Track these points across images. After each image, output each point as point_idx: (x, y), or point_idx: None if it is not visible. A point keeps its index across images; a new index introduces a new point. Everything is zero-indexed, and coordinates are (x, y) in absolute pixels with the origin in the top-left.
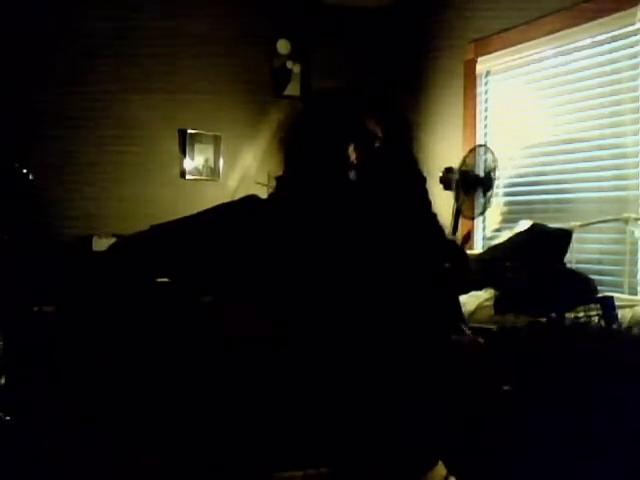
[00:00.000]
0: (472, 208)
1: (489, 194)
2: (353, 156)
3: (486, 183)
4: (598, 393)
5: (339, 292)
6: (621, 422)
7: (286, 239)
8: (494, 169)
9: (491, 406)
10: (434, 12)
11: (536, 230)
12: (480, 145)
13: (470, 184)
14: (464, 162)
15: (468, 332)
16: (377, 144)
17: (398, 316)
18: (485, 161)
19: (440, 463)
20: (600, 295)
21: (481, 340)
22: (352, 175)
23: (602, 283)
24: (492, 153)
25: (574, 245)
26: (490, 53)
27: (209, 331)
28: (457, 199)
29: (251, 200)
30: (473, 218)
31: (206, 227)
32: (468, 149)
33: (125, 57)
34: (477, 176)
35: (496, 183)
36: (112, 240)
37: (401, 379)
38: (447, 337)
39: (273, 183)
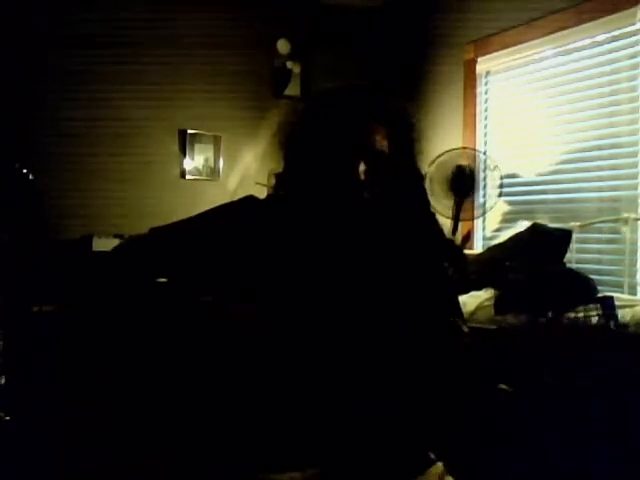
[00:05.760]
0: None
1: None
2: (355, 158)
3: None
4: (597, 392)
5: (338, 291)
6: (620, 421)
7: (285, 239)
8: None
9: (489, 404)
10: (434, 12)
11: (536, 230)
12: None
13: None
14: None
15: (466, 330)
16: (379, 146)
17: (397, 315)
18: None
19: (438, 462)
20: (600, 295)
21: (469, 341)
22: (353, 175)
23: (602, 283)
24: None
25: (574, 245)
26: (490, 53)
27: (209, 331)
28: (457, 199)
29: (249, 200)
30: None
31: (205, 228)
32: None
33: (125, 57)
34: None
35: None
36: (112, 240)
37: (398, 378)
38: (444, 336)
39: (273, 182)
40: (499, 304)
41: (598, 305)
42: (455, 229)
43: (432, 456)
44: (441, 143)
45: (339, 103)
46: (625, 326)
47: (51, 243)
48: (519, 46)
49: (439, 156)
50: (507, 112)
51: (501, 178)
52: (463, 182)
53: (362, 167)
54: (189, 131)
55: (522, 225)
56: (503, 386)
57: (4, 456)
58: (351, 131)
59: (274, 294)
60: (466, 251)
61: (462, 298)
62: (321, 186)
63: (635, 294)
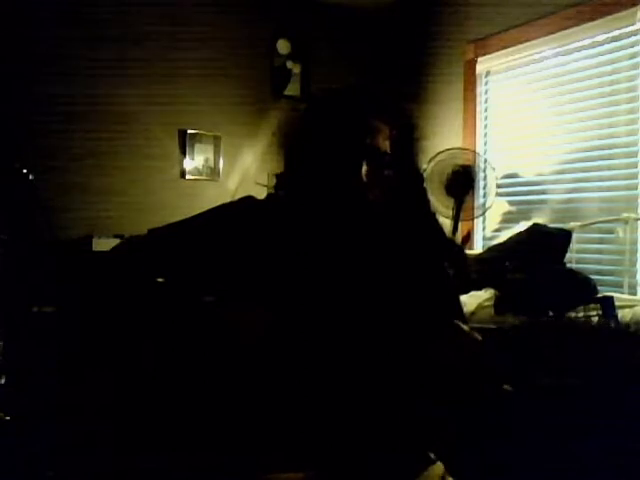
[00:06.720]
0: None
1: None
2: (358, 158)
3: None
4: (597, 392)
5: (338, 292)
6: (619, 420)
7: (285, 239)
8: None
9: (490, 405)
10: (434, 12)
11: (536, 230)
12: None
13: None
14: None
15: (467, 329)
16: (382, 146)
17: (397, 315)
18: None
19: (438, 462)
20: (600, 295)
21: (479, 337)
22: (356, 176)
23: (602, 283)
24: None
25: (574, 245)
26: (490, 53)
27: (209, 331)
28: (456, 200)
29: (248, 201)
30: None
31: (204, 228)
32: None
33: (125, 57)
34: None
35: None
36: (112, 240)
37: (399, 378)
38: (446, 336)
39: (273, 182)
40: (499, 304)
41: (598, 305)
42: (455, 229)
43: (432, 456)
44: (441, 143)
45: (341, 103)
46: (625, 326)
47: (51, 243)
48: (519, 46)
49: (436, 155)
50: (507, 112)
51: (497, 178)
52: (461, 182)
53: (365, 167)
54: (189, 131)
55: (522, 225)
56: (505, 386)
57: (4, 456)
58: (354, 131)
59: (274, 294)
60: (466, 251)
61: (462, 298)
62: (324, 186)
63: (635, 294)
